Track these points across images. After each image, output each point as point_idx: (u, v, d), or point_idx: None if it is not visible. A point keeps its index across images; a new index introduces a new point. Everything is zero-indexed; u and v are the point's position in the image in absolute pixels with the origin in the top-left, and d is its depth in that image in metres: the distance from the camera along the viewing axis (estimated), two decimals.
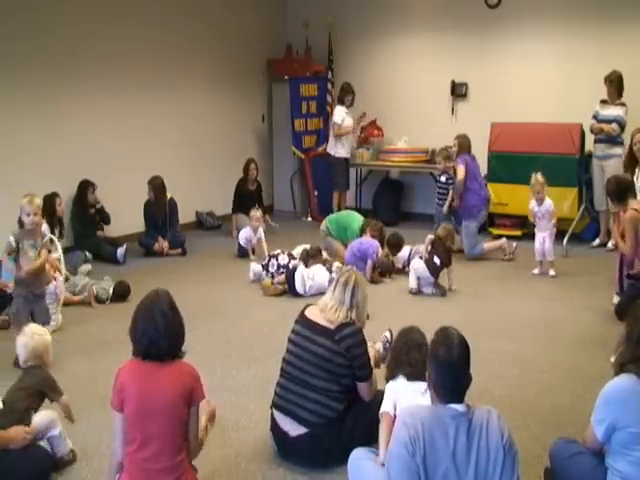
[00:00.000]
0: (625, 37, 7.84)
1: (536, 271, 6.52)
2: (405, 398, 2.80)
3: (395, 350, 3.02)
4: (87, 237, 7.12)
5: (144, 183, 7.41)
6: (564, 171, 7.52)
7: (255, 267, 6.37)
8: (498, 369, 4.27)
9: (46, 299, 4.61)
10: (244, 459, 3.25)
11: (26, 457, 2.95)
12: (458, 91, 8.89)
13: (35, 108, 6.80)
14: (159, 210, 7.47)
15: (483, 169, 7.71)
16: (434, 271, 5.87)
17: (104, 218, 7.34)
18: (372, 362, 3.30)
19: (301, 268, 5.97)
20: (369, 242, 6.48)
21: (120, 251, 6.99)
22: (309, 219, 9.41)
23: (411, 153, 8.91)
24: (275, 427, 3.24)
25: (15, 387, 3.13)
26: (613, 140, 7.28)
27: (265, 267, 6.20)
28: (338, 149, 8.69)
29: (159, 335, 2.53)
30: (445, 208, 7.31)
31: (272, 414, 3.27)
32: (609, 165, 7.26)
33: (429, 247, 5.98)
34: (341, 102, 8.65)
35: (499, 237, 7.50)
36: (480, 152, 7.70)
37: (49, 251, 4.52)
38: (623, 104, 7.29)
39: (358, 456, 2.85)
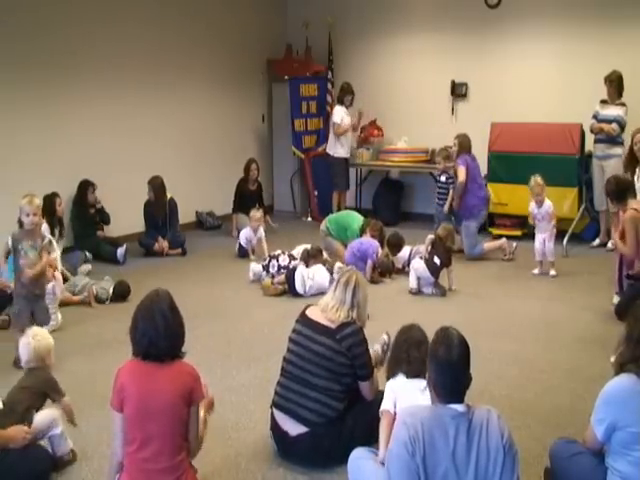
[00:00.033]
0: (625, 37, 7.84)
1: (536, 271, 6.52)
2: (404, 396, 2.81)
3: (395, 348, 3.02)
4: (87, 237, 7.12)
5: (144, 183, 7.41)
6: (564, 171, 7.52)
7: (255, 267, 6.37)
8: (498, 369, 4.27)
9: (45, 299, 4.61)
10: (244, 459, 3.25)
11: (26, 457, 2.95)
12: (458, 91, 8.89)
13: (35, 108, 6.80)
14: (159, 210, 7.47)
15: (483, 169, 7.71)
16: (434, 271, 5.87)
17: (104, 218, 7.34)
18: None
19: (301, 268, 5.97)
20: (369, 242, 6.48)
21: (120, 251, 6.99)
22: (309, 219, 9.40)
23: (411, 153, 8.91)
24: (275, 426, 3.24)
25: (17, 387, 3.14)
26: (613, 140, 7.28)
27: (266, 268, 6.20)
28: (337, 149, 8.69)
29: (159, 336, 2.53)
30: (446, 208, 7.30)
31: (272, 413, 3.27)
32: (609, 165, 7.25)
33: (429, 247, 5.98)
34: (340, 102, 8.65)
35: (499, 237, 7.50)
36: (480, 152, 7.69)
37: (48, 252, 4.51)
38: (623, 104, 7.29)
39: (358, 456, 2.85)
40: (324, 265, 6.08)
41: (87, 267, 6.50)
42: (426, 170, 8.75)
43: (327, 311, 3.17)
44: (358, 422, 3.13)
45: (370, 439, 2.97)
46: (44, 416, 3.10)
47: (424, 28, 9.06)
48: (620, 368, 2.61)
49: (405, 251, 6.57)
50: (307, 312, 3.28)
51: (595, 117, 7.39)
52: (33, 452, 2.99)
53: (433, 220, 7.53)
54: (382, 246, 6.57)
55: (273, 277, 6.08)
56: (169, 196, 7.52)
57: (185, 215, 8.12)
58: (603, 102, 7.40)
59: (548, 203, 6.41)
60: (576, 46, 8.09)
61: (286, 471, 3.14)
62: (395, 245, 6.61)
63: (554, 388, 4.02)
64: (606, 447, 2.61)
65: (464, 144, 7.25)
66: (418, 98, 9.13)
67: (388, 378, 3.00)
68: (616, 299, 5.30)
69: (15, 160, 6.61)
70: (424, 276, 5.91)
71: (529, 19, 8.34)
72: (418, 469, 2.18)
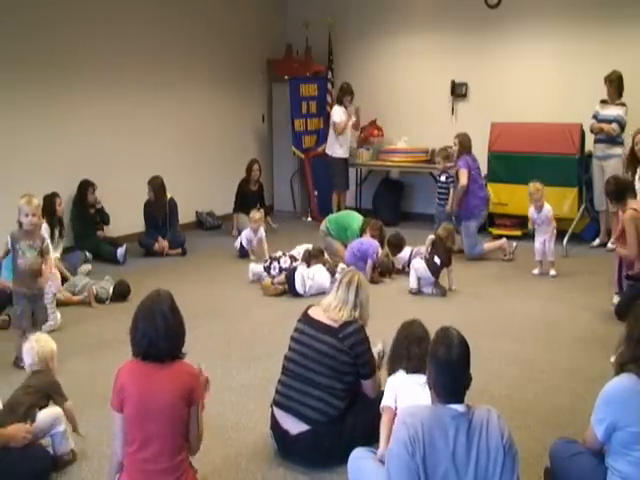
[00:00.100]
0: (625, 37, 7.84)
1: (536, 271, 6.52)
2: (405, 391, 2.83)
3: (396, 344, 3.04)
4: (87, 237, 7.12)
5: (144, 183, 7.40)
6: (564, 171, 7.53)
7: (254, 268, 6.37)
8: (498, 369, 4.27)
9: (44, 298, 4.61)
10: (244, 459, 3.25)
11: (26, 456, 2.95)
12: (458, 91, 8.89)
13: (35, 108, 6.80)
14: (159, 210, 7.47)
15: (483, 169, 7.71)
16: (435, 271, 5.88)
17: (104, 218, 7.34)
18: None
19: (301, 268, 5.97)
20: (369, 242, 6.48)
21: (120, 251, 6.99)
22: (309, 219, 9.40)
23: (411, 153, 8.91)
24: (275, 425, 3.25)
25: (21, 388, 3.16)
26: (613, 140, 7.27)
27: (267, 269, 6.19)
28: (336, 149, 8.67)
29: (159, 336, 2.53)
30: (449, 207, 7.29)
31: (272, 412, 3.28)
32: (609, 165, 7.25)
33: (430, 247, 5.99)
34: (340, 102, 8.64)
35: (499, 237, 7.50)
36: (480, 152, 7.69)
37: (47, 253, 4.50)
38: (623, 104, 7.29)
39: (358, 456, 2.85)
40: (324, 265, 6.09)
41: (87, 267, 6.50)
42: (426, 170, 8.76)
43: (329, 311, 3.20)
44: (359, 421, 3.14)
45: (370, 439, 2.97)
46: (47, 414, 3.11)
47: (424, 28, 9.06)
48: (620, 368, 2.61)
49: (405, 252, 6.57)
50: (309, 312, 3.30)
51: (595, 117, 7.39)
52: (33, 451, 2.99)
53: (433, 220, 7.53)
54: (382, 246, 6.57)
55: (273, 277, 6.08)
56: (169, 196, 7.52)
57: (185, 215, 8.12)
58: (603, 102, 7.40)
59: (547, 207, 6.40)
60: (576, 46, 8.09)
61: (286, 471, 3.14)
62: (396, 245, 6.61)
63: (554, 388, 4.02)
64: (606, 447, 2.61)
65: (464, 143, 7.25)
66: (418, 98, 9.13)
67: (389, 374, 3.02)
68: (616, 299, 5.30)
69: (15, 160, 6.60)
70: (424, 276, 5.91)
71: (529, 19, 8.34)
72: (418, 469, 2.18)
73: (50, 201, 6.37)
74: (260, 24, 9.64)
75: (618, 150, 7.23)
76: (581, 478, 2.67)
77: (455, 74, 8.86)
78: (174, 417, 2.52)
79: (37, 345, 3.22)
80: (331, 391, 3.11)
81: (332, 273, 5.98)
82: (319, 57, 9.50)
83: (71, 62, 7.10)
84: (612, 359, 2.84)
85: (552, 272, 6.42)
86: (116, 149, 7.66)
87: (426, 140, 8.78)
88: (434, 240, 6.02)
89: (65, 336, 4.75)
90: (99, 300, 5.70)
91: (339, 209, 8.51)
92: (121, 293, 5.76)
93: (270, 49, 9.83)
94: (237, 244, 7.34)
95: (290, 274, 5.91)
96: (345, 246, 6.78)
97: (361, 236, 6.69)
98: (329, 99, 9.37)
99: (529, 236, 6.76)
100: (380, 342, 3.65)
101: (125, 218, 7.60)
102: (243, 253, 7.25)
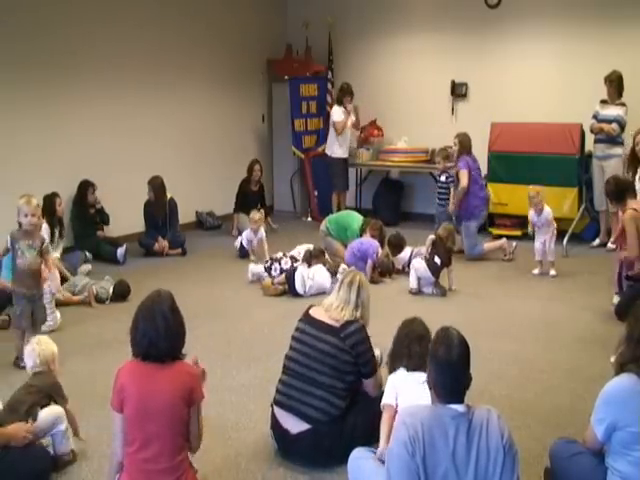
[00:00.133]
0: (625, 37, 7.84)
1: (536, 271, 6.52)
2: (405, 389, 2.84)
3: (396, 342, 3.05)
4: (87, 237, 7.12)
5: (144, 183, 7.40)
6: (564, 171, 7.53)
7: (254, 268, 6.37)
8: (498, 369, 4.27)
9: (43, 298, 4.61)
10: (244, 459, 3.25)
11: (26, 456, 2.95)
12: (458, 91, 8.89)
13: (35, 108, 6.80)
14: (159, 210, 7.47)
15: (483, 169, 7.71)
16: (435, 271, 5.88)
17: (104, 218, 7.33)
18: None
19: (301, 268, 5.97)
20: (369, 242, 6.48)
21: (120, 251, 6.99)
22: (309, 219, 9.40)
23: (411, 153, 8.91)
24: (276, 424, 3.25)
25: (23, 387, 3.17)
26: (613, 140, 7.27)
27: (268, 270, 6.18)
28: (335, 149, 8.66)
29: (159, 337, 2.53)
30: (451, 207, 7.28)
31: (273, 412, 3.28)
32: (609, 165, 7.25)
33: (430, 247, 5.99)
34: (340, 102, 8.64)
35: (499, 237, 7.50)
36: (480, 152, 7.69)
37: (47, 253, 4.50)
38: (623, 104, 7.29)
39: (358, 456, 2.86)
40: (325, 265, 6.08)
41: (87, 267, 6.50)
42: (426, 170, 8.76)
43: (331, 311, 3.21)
44: (359, 420, 3.14)
45: (371, 438, 2.97)
46: (49, 412, 3.11)
47: (424, 28, 9.06)
48: (620, 368, 2.61)
49: (406, 252, 6.57)
50: (311, 312, 3.31)
51: (595, 117, 7.39)
52: (33, 451, 2.99)
53: (433, 220, 7.53)
54: (382, 246, 6.57)
55: (273, 277, 6.08)
56: (169, 196, 7.52)
57: (185, 215, 8.12)
58: (603, 102, 7.40)
59: (547, 210, 6.40)
60: (576, 46, 8.09)
61: (286, 471, 3.14)
62: (396, 246, 6.61)
63: (554, 388, 4.02)
64: (606, 447, 2.61)
65: (464, 143, 7.24)
66: (418, 98, 9.13)
67: (390, 372, 3.03)
68: (616, 299, 5.30)
69: (15, 160, 6.61)
70: (425, 276, 5.91)
71: (529, 19, 8.34)
72: (418, 469, 2.18)
73: (50, 201, 6.37)
74: (260, 24, 9.64)
75: (618, 150, 7.23)
76: (581, 478, 2.67)
77: (455, 74, 8.86)
78: (174, 417, 2.52)
79: (38, 347, 3.23)
80: (333, 390, 3.12)
81: (332, 273, 5.99)
82: (319, 57, 9.50)
83: (71, 62, 7.10)
84: (612, 359, 2.85)
85: (552, 272, 6.42)
86: (116, 149, 7.66)
87: (426, 140, 8.78)
88: (434, 240, 6.02)
89: (65, 336, 4.75)
90: (99, 300, 5.70)
91: (339, 209, 8.51)
92: (121, 293, 5.76)
93: (270, 49, 9.82)
94: (237, 244, 7.34)
95: (290, 274, 5.91)
96: (345, 246, 6.78)
97: (361, 236, 6.69)
98: (329, 99, 9.37)
99: (529, 236, 6.76)
100: (377, 348, 3.63)
101: (125, 218, 7.60)
102: (243, 253, 7.25)
